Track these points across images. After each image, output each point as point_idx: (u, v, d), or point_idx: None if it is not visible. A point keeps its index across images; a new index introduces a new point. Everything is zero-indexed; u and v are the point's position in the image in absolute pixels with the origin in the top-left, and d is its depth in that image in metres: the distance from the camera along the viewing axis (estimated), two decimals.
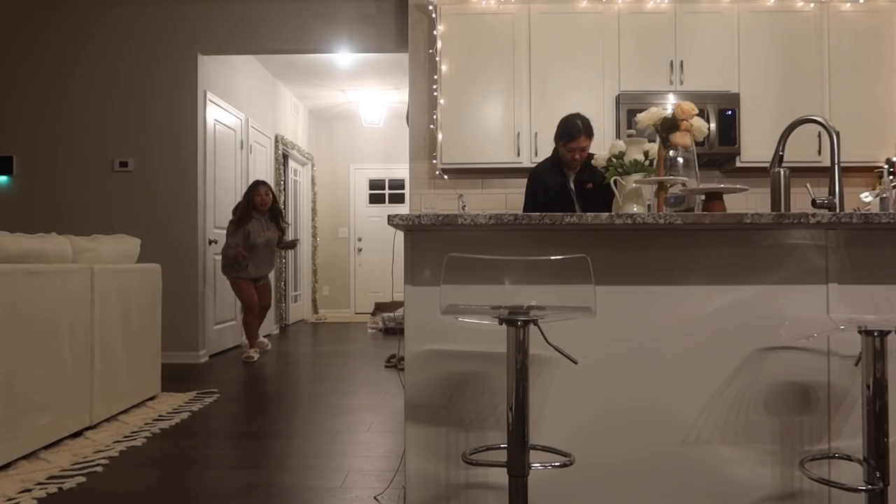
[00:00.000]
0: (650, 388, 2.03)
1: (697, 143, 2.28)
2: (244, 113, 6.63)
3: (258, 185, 5.74)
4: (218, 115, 5.91)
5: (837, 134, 2.18)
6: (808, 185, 2.67)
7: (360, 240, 9.73)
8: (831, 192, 2.23)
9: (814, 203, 2.23)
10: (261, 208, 5.68)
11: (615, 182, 2.20)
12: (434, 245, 2.02)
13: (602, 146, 4.43)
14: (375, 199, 9.84)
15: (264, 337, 6.34)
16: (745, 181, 4.74)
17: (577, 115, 3.31)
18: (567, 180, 3.39)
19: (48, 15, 5.46)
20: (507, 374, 1.73)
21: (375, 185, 9.86)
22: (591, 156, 3.23)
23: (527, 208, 3.52)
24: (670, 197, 2.30)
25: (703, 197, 2.25)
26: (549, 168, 3.48)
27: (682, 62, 4.72)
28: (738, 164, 4.72)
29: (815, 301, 2.02)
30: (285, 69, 7.37)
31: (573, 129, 3.25)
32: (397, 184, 9.75)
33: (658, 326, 2.03)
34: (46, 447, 3.00)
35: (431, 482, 2.03)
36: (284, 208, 7.50)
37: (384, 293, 9.44)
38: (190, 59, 5.42)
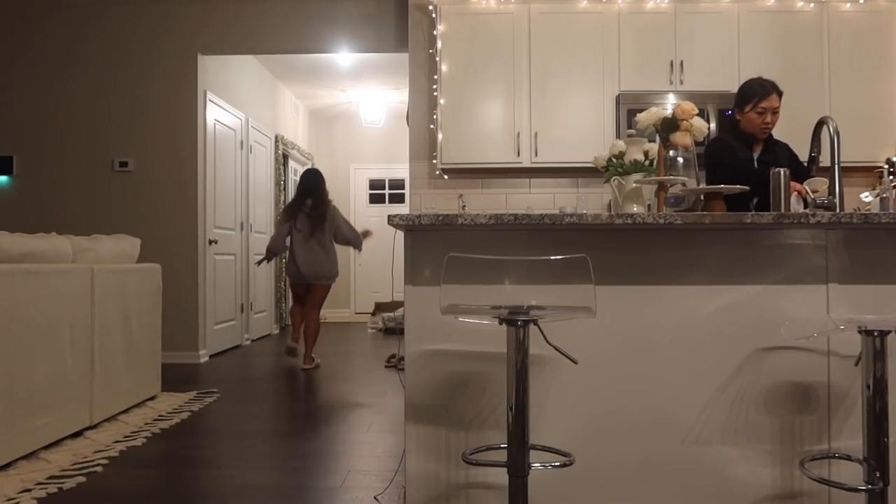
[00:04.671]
0: (650, 388, 2.03)
1: (697, 143, 2.28)
2: (244, 113, 6.63)
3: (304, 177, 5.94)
4: (218, 114, 5.91)
5: (838, 134, 2.18)
6: (806, 185, 2.67)
7: None
8: (831, 192, 2.23)
9: (813, 203, 2.23)
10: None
11: (615, 182, 2.21)
12: (434, 245, 2.02)
13: (602, 146, 4.43)
14: (375, 199, 9.84)
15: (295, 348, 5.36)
16: None
17: (759, 77, 2.97)
18: (751, 155, 2.95)
19: (48, 15, 5.45)
20: (507, 374, 1.73)
21: (375, 184, 9.86)
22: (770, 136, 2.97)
23: (723, 176, 2.84)
24: (670, 197, 2.30)
25: (703, 197, 2.25)
26: (733, 140, 3.01)
27: (682, 62, 4.72)
28: None
29: (815, 301, 2.02)
30: (285, 69, 7.37)
31: (764, 86, 2.89)
32: (397, 184, 9.75)
33: (658, 326, 2.03)
34: (46, 447, 3.00)
35: (431, 482, 2.03)
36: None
37: (384, 293, 9.44)
38: (190, 59, 5.42)
